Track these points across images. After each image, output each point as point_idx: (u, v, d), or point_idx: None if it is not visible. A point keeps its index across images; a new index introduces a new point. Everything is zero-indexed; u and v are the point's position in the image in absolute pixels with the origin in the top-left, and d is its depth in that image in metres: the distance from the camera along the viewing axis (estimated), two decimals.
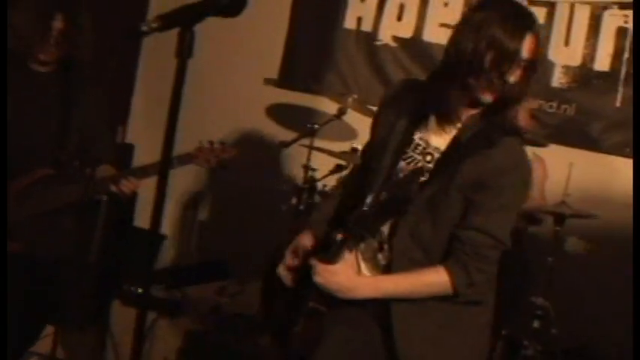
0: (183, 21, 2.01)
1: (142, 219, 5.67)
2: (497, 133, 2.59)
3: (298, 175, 5.29)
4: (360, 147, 5.00)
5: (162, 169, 2.12)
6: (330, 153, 5.00)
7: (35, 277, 3.65)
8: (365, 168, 2.87)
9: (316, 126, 5.10)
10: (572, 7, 5.24)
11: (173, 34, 2.07)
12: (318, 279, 2.67)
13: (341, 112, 5.08)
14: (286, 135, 5.31)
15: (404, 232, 2.67)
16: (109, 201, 4.50)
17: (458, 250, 2.62)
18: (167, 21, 2.01)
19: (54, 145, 3.63)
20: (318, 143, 5.12)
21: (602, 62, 5.19)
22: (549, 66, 5.28)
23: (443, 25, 5.58)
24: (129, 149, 5.83)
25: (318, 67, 5.91)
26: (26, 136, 3.54)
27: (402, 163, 2.73)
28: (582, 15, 5.21)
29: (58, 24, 3.54)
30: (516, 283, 4.59)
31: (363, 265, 2.77)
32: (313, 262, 2.70)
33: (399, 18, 5.73)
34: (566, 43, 5.19)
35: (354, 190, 2.89)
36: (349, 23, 5.85)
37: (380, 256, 2.75)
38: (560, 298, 4.66)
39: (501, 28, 2.50)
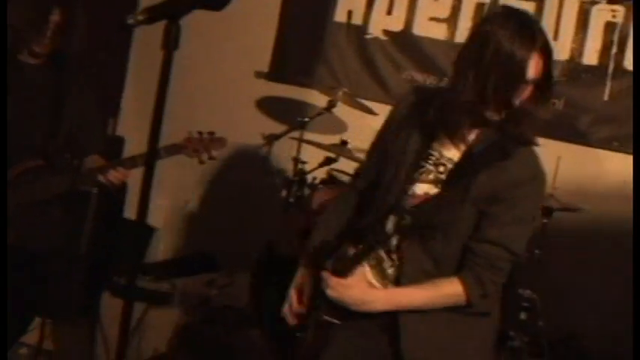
0: (169, 14, 2.02)
1: (131, 211, 5.68)
2: (511, 145, 2.57)
3: (288, 167, 5.31)
4: (349, 140, 5.04)
5: (149, 159, 2.13)
6: (320, 146, 5.01)
7: (25, 268, 3.66)
8: (375, 181, 2.82)
9: (306, 119, 5.12)
10: (560, 1, 5.26)
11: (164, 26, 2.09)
12: (332, 293, 2.68)
13: (331, 105, 5.09)
14: (277, 128, 5.32)
15: (414, 242, 2.65)
16: (99, 193, 4.52)
17: (472, 262, 2.61)
18: (153, 14, 2.03)
19: (43, 137, 3.64)
20: (308, 136, 5.13)
21: (591, 56, 5.21)
22: None
23: (432, 19, 5.60)
24: (119, 141, 5.84)
25: (309, 60, 5.92)
26: (15, 127, 3.54)
27: (416, 175, 2.70)
28: (571, 9, 5.23)
29: (55, 17, 3.56)
30: None
31: (369, 274, 2.75)
32: (326, 275, 2.70)
33: (389, 12, 5.73)
34: (555, 37, 5.19)
35: (364, 206, 2.87)
36: (339, 17, 5.85)
37: (386, 265, 2.73)
38: (547, 290, 4.69)
39: (504, 51, 2.44)
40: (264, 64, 6.04)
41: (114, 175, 3.59)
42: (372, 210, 2.77)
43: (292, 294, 2.94)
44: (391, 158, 2.75)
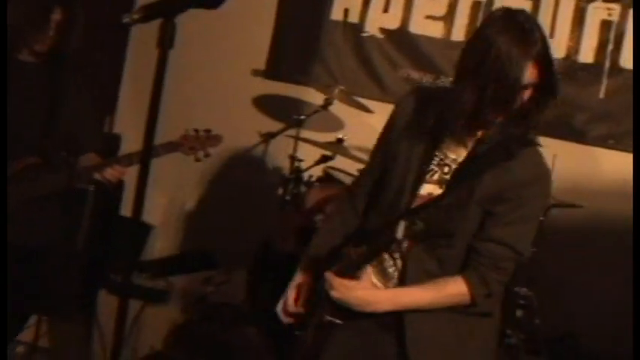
0: (164, 12, 2.03)
1: (129, 208, 5.68)
2: (516, 145, 2.56)
3: (284, 165, 5.32)
4: (345, 137, 5.05)
5: (144, 157, 2.14)
6: (316, 144, 5.02)
7: (22, 266, 3.66)
8: (381, 183, 2.81)
9: (303, 117, 5.12)
10: (557, 0, 5.28)
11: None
12: (336, 294, 2.66)
13: (327, 103, 5.09)
14: (273, 126, 5.33)
15: (420, 246, 2.64)
16: (95, 190, 4.52)
17: (476, 262, 2.60)
18: (149, 12, 2.04)
19: (40, 134, 3.65)
20: (304, 134, 5.14)
21: (587, 54, 5.22)
22: None
23: (429, 17, 5.62)
24: (116, 139, 5.84)
25: (305, 58, 5.92)
26: (13, 125, 3.55)
27: (425, 177, 2.69)
28: (567, 8, 5.25)
29: (57, 16, 3.57)
30: None
31: (371, 274, 2.74)
32: (329, 276, 2.68)
33: (386, 10, 5.74)
34: (551, 35, 5.20)
35: (370, 207, 2.86)
36: (336, 15, 5.86)
37: (387, 264, 2.73)
38: (544, 288, 4.70)
39: (503, 57, 2.44)
40: (260, 62, 6.05)
41: (110, 173, 3.60)
42: (379, 214, 2.76)
43: (290, 293, 2.93)
44: (397, 163, 2.72)
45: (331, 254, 2.83)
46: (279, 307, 2.96)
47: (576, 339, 4.88)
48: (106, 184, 3.66)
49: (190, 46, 5.59)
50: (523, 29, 2.49)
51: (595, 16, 5.21)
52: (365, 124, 5.40)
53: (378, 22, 5.77)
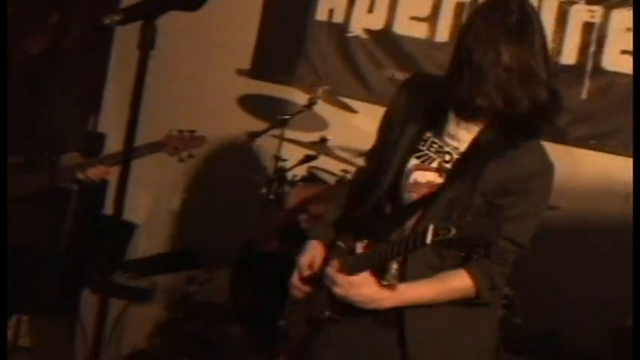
0: (144, 14, 2.05)
1: (112, 208, 5.68)
2: (519, 136, 2.54)
3: (269, 165, 5.33)
4: (329, 137, 5.07)
5: (125, 157, 2.16)
6: (300, 144, 5.04)
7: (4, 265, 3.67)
8: (374, 169, 2.82)
9: (287, 117, 5.14)
10: (539, 1, 5.28)
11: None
12: (340, 291, 2.64)
13: (311, 103, 5.10)
14: (258, 125, 5.33)
15: None
16: (79, 190, 4.53)
17: (479, 255, 2.55)
18: (129, 14, 2.06)
19: (23, 134, 3.65)
20: (289, 134, 5.15)
21: (569, 56, 5.24)
22: None
23: (413, 18, 5.62)
24: (100, 138, 5.85)
25: (290, 58, 5.93)
26: None
27: (416, 161, 2.67)
28: (550, 10, 5.26)
29: (53, 19, 3.58)
30: None
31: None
32: (332, 273, 2.67)
33: (370, 10, 5.75)
34: None
35: (363, 192, 2.84)
36: (321, 15, 5.86)
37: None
38: (525, 287, 4.72)
39: (479, 39, 2.46)
40: (245, 61, 6.06)
41: (93, 173, 3.60)
42: (370, 197, 2.75)
43: (303, 262, 2.86)
44: (389, 143, 2.74)
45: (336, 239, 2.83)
46: (294, 279, 2.87)
47: (557, 338, 4.90)
48: (89, 183, 3.66)
49: (175, 46, 5.61)
50: (505, 10, 2.49)
51: (577, 18, 5.22)
52: (349, 124, 5.43)
53: (363, 22, 5.78)
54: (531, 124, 2.54)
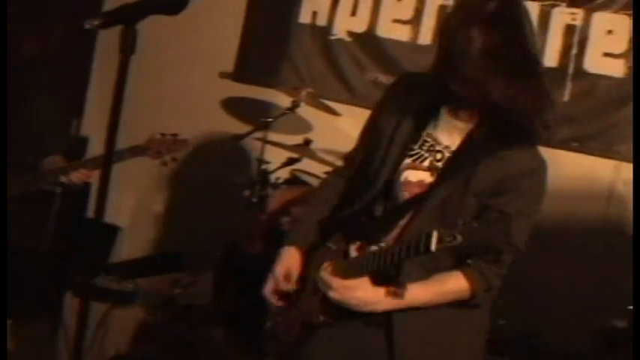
0: (125, 19, 2.05)
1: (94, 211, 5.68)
2: (512, 135, 2.49)
3: (252, 167, 5.33)
4: (314, 140, 5.08)
5: (106, 160, 2.16)
6: (282, 146, 5.04)
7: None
8: (362, 168, 2.78)
9: (270, 119, 5.14)
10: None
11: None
12: (336, 295, 2.61)
13: (294, 106, 5.11)
14: (241, 128, 5.34)
15: (412, 237, 2.52)
16: (62, 192, 4.52)
17: (474, 256, 2.50)
18: (109, 19, 2.06)
19: (6, 137, 3.64)
20: (272, 136, 5.16)
21: (551, 58, 5.25)
22: None
23: (396, 20, 5.64)
24: (83, 141, 5.84)
25: (274, 60, 5.94)
26: None
27: (408, 160, 2.65)
28: (532, 12, 5.15)
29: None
30: None
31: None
32: (327, 277, 2.64)
33: (354, 13, 5.76)
34: None
35: (350, 192, 2.82)
36: (304, 17, 5.88)
37: None
38: (508, 288, 4.73)
39: (449, 28, 2.45)
40: (229, 64, 6.07)
41: (76, 177, 3.60)
42: (359, 195, 2.74)
43: (279, 273, 2.83)
44: (380, 143, 2.70)
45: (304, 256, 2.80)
46: (267, 289, 2.85)
47: (540, 339, 4.91)
48: (72, 186, 3.66)
49: (159, 49, 5.62)
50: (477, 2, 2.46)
51: (559, 20, 5.24)
52: (332, 127, 5.44)
53: (346, 25, 5.79)
54: (523, 123, 2.48)
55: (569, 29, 5.23)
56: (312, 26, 5.87)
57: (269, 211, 4.70)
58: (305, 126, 5.53)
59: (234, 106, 5.90)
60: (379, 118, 2.79)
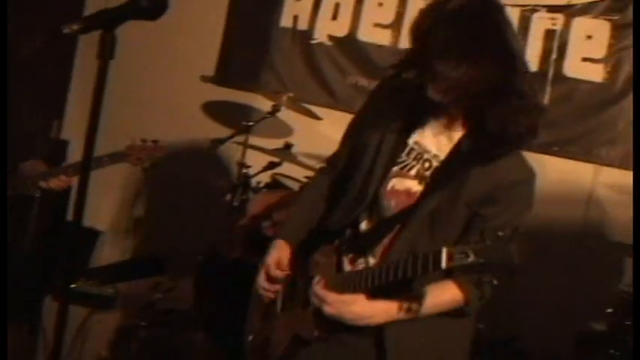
0: (104, 24, 2.05)
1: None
2: (500, 143, 2.46)
3: (233, 171, 5.33)
4: (295, 144, 5.08)
5: (84, 165, 2.15)
6: (263, 150, 5.04)
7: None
8: (346, 178, 2.75)
9: (251, 123, 5.14)
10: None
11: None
12: (331, 310, 2.56)
13: (275, 110, 5.11)
14: (222, 132, 5.34)
15: (403, 247, 2.56)
16: (42, 196, 4.50)
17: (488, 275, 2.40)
18: (88, 23, 2.05)
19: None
20: (253, 140, 5.15)
21: (531, 63, 5.20)
22: None
23: (377, 24, 5.66)
24: (63, 145, 5.82)
25: (255, 64, 5.94)
26: None
27: (395, 168, 2.62)
28: (512, 17, 5.27)
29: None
30: None
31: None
32: (321, 292, 2.60)
33: (335, 17, 5.78)
34: None
35: (334, 197, 2.81)
36: (285, 22, 5.89)
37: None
38: None
39: (412, 28, 2.45)
40: (210, 68, 6.06)
41: (56, 183, 3.58)
42: (345, 204, 2.72)
43: (270, 260, 2.83)
44: (366, 152, 2.67)
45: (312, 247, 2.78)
46: (260, 280, 2.84)
47: (520, 342, 4.93)
48: (51, 191, 3.64)
49: (140, 53, 5.61)
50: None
51: (539, 25, 5.26)
52: (313, 131, 5.44)
53: (327, 29, 5.81)
54: (510, 131, 2.44)
55: (549, 34, 5.25)
56: (293, 30, 5.88)
57: (249, 215, 4.69)
58: (286, 130, 5.53)
59: (214, 110, 5.90)
60: (363, 125, 2.77)
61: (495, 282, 2.29)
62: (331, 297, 2.57)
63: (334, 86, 5.75)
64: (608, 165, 5.10)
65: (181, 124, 5.77)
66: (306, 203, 2.97)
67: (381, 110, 2.71)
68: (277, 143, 5.21)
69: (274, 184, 5.03)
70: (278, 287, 2.86)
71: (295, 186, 4.95)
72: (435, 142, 2.61)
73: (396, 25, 5.61)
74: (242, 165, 5.10)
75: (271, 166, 5.06)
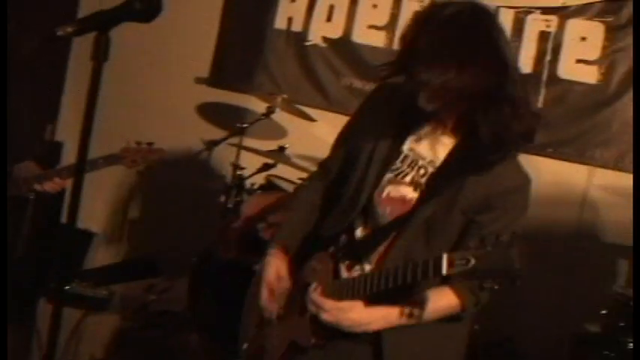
0: (98, 26, 2.05)
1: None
2: (494, 149, 2.44)
3: (227, 173, 5.33)
4: (287, 146, 5.07)
5: (78, 167, 2.15)
6: (258, 152, 5.04)
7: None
8: (340, 183, 2.75)
9: (245, 125, 5.14)
10: (496, 11, 5.32)
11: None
12: (329, 317, 2.55)
13: (270, 111, 5.12)
14: (217, 133, 5.34)
15: (398, 254, 2.55)
16: (36, 198, 4.50)
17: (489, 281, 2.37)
18: (82, 26, 2.05)
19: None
20: (248, 142, 5.16)
21: (525, 64, 5.27)
22: None
23: (371, 26, 5.66)
24: (58, 147, 5.82)
25: (249, 66, 5.94)
26: None
27: (390, 175, 2.61)
28: (506, 19, 5.30)
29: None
30: None
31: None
32: (318, 299, 2.59)
33: (329, 19, 5.78)
34: None
35: (328, 203, 2.80)
36: (279, 23, 5.89)
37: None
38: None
39: (405, 29, 2.45)
40: (204, 69, 6.06)
41: (50, 186, 3.58)
42: (338, 211, 2.72)
43: (270, 277, 2.80)
44: (360, 158, 2.67)
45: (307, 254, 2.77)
46: (263, 299, 2.82)
47: (514, 343, 4.93)
48: (45, 193, 3.64)
49: (134, 55, 5.61)
50: (434, 6, 2.46)
51: (533, 27, 5.28)
52: (308, 133, 5.45)
53: (321, 31, 5.80)
54: (504, 137, 2.43)
55: (544, 36, 5.26)
56: (288, 32, 5.88)
57: (243, 217, 4.68)
58: (280, 132, 5.54)
59: (209, 112, 5.90)
60: (357, 130, 2.77)
61: (496, 287, 2.25)
62: (329, 304, 2.56)
63: (328, 88, 5.75)
64: (602, 166, 5.11)
65: (175, 126, 5.76)
66: (301, 208, 2.95)
67: (375, 115, 2.70)
68: (271, 145, 5.21)
69: (269, 186, 5.02)
70: (279, 306, 2.83)
71: (290, 188, 4.94)
72: (429, 148, 2.60)
73: (390, 27, 5.61)
74: (236, 166, 5.10)
75: (265, 167, 5.05)
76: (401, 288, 2.39)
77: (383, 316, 2.55)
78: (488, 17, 2.48)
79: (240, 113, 5.72)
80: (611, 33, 5.11)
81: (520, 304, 5.05)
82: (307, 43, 5.83)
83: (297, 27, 5.85)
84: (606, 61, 5.12)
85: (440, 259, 2.22)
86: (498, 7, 5.31)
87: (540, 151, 5.20)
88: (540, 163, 5.26)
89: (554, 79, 5.23)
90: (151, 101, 6.04)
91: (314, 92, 5.77)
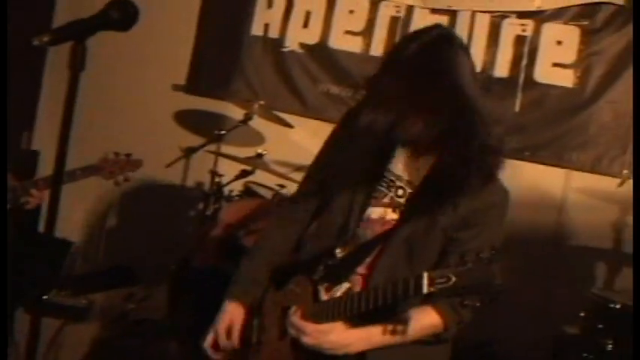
0: (74, 35, 2.04)
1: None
2: (474, 168, 2.46)
3: (205, 180, 5.32)
4: (265, 152, 5.06)
5: (56, 177, 2.14)
6: (235, 159, 5.03)
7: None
8: (323, 212, 2.75)
9: (223, 132, 5.14)
10: (472, 15, 5.36)
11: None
12: (310, 340, 2.52)
13: (247, 118, 5.12)
14: (194, 140, 5.33)
15: (382, 274, 2.55)
16: (12, 207, 4.47)
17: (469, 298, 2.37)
18: (58, 35, 2.04)
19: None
20: (225, 149, 5.15)
21: (502, 69, 5.31)
22: None
23: (348, 32, 5.68)
24: (34, 155, 5.79)
25: (226, 73, 5.93)
26: None
27: (371, 198, 2.62)
28: (482, 23, 5.33)
29: None
30: None
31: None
32: (298, 322, 2.57)
33: (306, 25, 5.78)
34: None
35: (307, 229, 2.80)
36: (256, 30, 5.89)
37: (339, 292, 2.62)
38: None
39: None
40: (181, 77, 6.05)
41: (27, 201, 3.55)
42: (324, 236, 2.71)
43: (220, 328, 2.79)
44: (341, 186, 2.67)
45: (284, 279, 2.74)
46: (207, 342, 2.81)
47: (493, 346, 4.94)
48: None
49: (112, 62, 5.59)
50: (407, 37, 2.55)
51: (509, 31, 5.30)
52: (285, 139, 5.45)
53: (298, 37, 5.81)
54: (473, 170, 2.47)
55: (520, 40, 5.29)
56: (265, 38, 5.88)
57: (222, 224, 4.67)
58: (258, 138, 5.53)
59: (186, 119, 5.89)
60: (335, 159, 2.75)
61: (478, 304, 2.26)
62: (310, 327, 2.54)
63: (306, 94, 5.75)
64: (579, 169, 5.14)
65: (153, 133, 5.75)
66: (263, 254, 2.89)
67: (353, 144, 2.67)
68: (249, 151, 5.21)
69: (247, 193, 5.02)
70: (224, 355, 2.81)
71: (268, 194, 4.94)
72: (407, 168, 2.62)
73: (366, 33, 5.63)
74: (214, 173, 5.09)
75: (244, 174, 5.04)
76: (382, 308, 2.37)
77: (364, 337, 2.53)
78: (451, 47, 2.56)
79: (218, 120, 5.71)
80: (587, 37, 5.14)
81: (499, 307, 5.06)
82: (284, 50, 5.83)
83: (273, 33, 5.85)
84: (582, 64, 5.15)
85: (420, 277, 2.22)
86: (474, 11, 5.35)
87: (518, 155, 5.21)
88: (518, 167, 5.27)
89: (530, 83, 5.26)
90: (128, 109, 6.02)
91: (291, 98, 5.77)
